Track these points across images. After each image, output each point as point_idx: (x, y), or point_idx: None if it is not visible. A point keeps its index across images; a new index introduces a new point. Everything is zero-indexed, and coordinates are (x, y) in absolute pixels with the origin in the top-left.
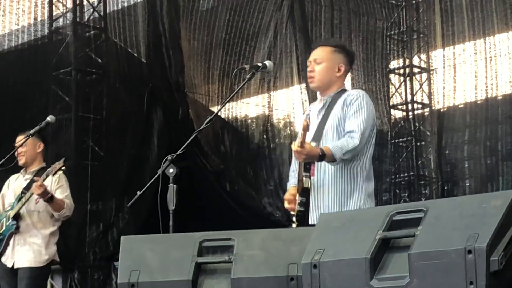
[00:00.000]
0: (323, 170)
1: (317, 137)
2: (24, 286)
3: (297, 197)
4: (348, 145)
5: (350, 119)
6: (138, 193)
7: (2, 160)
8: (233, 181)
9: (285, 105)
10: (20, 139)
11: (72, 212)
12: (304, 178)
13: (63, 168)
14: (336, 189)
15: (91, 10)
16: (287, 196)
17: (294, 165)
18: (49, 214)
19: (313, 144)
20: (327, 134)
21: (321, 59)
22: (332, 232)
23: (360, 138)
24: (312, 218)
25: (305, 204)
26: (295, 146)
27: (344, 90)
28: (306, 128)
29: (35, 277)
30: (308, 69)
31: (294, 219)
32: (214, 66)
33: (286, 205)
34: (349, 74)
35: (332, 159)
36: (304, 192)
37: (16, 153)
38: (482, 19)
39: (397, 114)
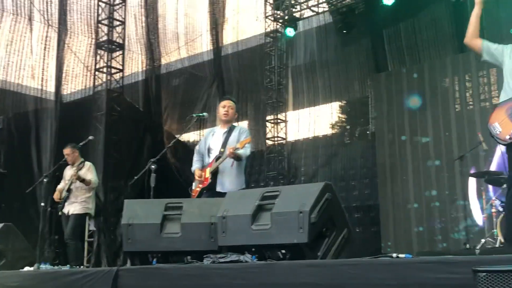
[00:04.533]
0: (226, 163)
1: (224, 148)
2: None
3: (208, 173)
4: (246, 153)
5: (242, 141)
6: (135, 178)
7: None
8: (185, 174)
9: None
10: None
11: None
12: (214, 165)
13: None
14: (231, 174)
15: None
16: (199, 172)
17: (198, 156)
18: None
19: (222, 150)
20: (229, 146)
21: (232, 106)
22: (233, 200)
23: (249, 150)
24: (218, 188)
25: (214, 177)
26: (231, 149)
27: (234, 126)
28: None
29: None
30: (225, 109)
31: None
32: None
33: (199, 175)
34: (247, 121)
35: (239, 159)
36: (214, 172)
37: None
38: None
39: (269, 142)
